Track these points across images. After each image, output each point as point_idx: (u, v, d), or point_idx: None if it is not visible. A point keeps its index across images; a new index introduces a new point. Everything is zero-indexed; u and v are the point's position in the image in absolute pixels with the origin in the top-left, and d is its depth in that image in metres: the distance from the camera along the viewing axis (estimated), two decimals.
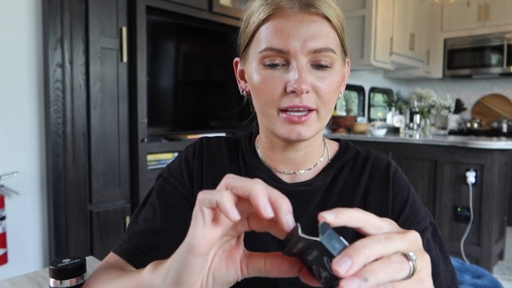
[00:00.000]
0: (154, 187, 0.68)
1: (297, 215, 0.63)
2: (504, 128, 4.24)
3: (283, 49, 0.55)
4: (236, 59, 0.67)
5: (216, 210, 0.35)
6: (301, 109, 0.56)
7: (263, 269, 0.38)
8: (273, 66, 0.56)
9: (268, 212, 0.33)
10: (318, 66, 0.56)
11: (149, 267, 0.42)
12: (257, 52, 0.57)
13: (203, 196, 0.35)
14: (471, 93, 4.73)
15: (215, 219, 0.36)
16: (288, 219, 0.34)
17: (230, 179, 0.36)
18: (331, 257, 0.30)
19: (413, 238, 0.34)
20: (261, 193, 0.34)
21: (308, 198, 0.63)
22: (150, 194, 0.68)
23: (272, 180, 0.64)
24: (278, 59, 0.56)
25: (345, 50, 0.62)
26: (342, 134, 3.40)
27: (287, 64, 0.56)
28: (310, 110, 0.56)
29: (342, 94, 0.65)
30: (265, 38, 0.56)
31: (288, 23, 0.55)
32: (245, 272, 0.39)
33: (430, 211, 2.83)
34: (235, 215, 0.33)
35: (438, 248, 0.60)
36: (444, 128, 4.62)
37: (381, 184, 0.63)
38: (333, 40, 0.57)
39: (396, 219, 0.60)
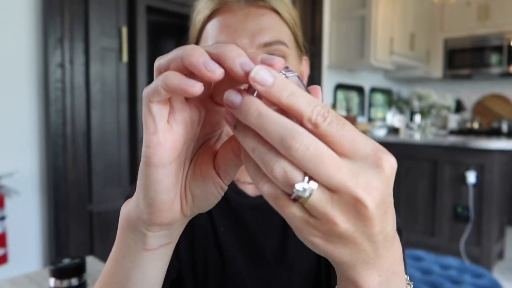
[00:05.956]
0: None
1: (263, 227, 0.61)
2: (504, 128, 4.24)
3: None
4: None
5: (168, 102, 0.28)
6: None
7: (235, 158, 0.30)
8: None
9: (210, 69, 0.25)
10: None
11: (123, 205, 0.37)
12: None
13: (145, 90, 0.27)
14: (471, 93, 4.72)
15: (170, 117, 0.28)
16: (242, 62, 0.25)
17: (159, 59, 0.28)
18: None
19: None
20: (195, 52, 0.25)
21: (273, 210, 0.60)
22: None
23: (236, 193, 0.61)
24: None
25: (300, 47, 0.60)
26: None
27: None
28: None
29: None
30: (211, 35, 0.53)
31: (234, 17, 0.52)
32: (224, 177, 0.31)
33: (430, 211, 2.85)
34: (192, 84, 0.25)
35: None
36: (444, 128, 4.61)
37: None
38: (285, 34, 0.54)
39: None
